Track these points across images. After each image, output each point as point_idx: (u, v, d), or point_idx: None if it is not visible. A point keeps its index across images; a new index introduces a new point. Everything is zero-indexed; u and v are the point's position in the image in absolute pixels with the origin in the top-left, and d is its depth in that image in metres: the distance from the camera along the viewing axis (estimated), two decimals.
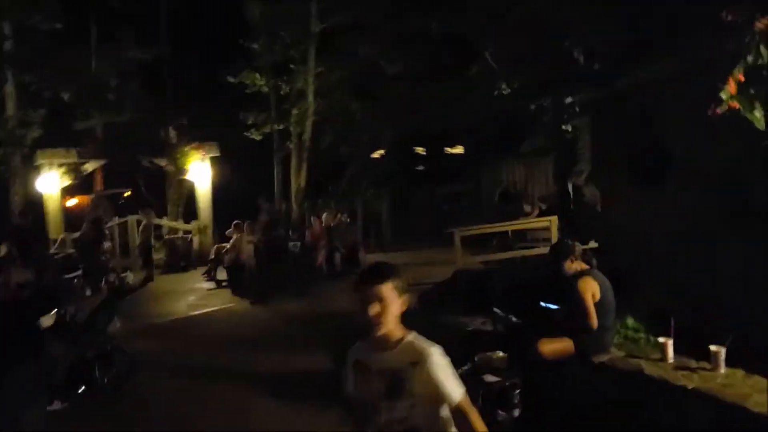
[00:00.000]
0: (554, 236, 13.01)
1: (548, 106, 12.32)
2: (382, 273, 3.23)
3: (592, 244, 9.70)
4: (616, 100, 9.15)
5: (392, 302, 3.15)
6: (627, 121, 8.97)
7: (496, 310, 7.15)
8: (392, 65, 18.97)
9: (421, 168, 29.19)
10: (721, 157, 7.11)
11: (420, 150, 28.74)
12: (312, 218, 17.00)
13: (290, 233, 17.55)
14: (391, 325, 3.16)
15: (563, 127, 11.26)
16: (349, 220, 17.73)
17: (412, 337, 3.20)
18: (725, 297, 7.03)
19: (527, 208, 18.43)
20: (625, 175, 9.28)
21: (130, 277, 11.55)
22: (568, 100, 9.33)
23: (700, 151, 7.53)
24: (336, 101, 19.57)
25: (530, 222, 14.14)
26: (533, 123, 17.96)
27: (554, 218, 13.20)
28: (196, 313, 12.98)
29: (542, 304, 5.95)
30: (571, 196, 9.61)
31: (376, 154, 25.13)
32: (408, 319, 3.39)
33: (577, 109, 10.42)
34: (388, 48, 18.59)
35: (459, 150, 28.52)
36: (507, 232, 16.14)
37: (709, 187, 7.40)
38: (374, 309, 3.09)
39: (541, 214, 17.31)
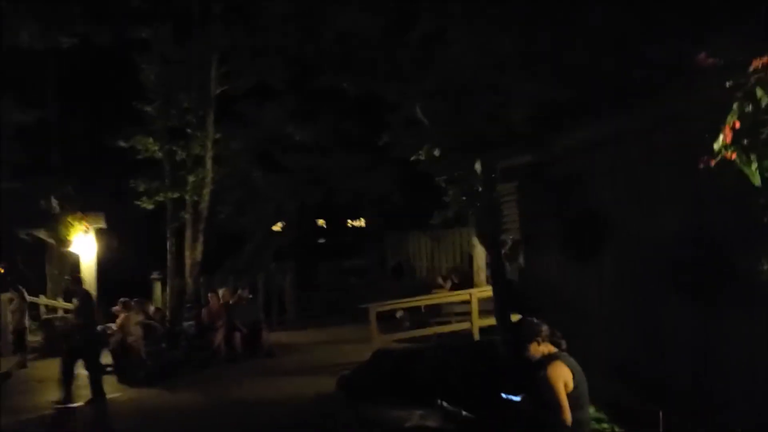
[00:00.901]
0: (475, 311, 12.27)
1: (468, 172, 11.82)
2: None
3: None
4: (547, 164, 8.58)
5: None
6: (558, 187, 8.37)
7: (442, 402, 6.15)
8: (300, 131, 18.15)
9: (322, 241, 28.35)
10: (657, 229, 6.54)
11: (321, 222, 27.93)
12: (209, 294, 15.59)
13: (183, 312, 16.02)
14: None
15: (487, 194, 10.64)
16: (250, 296, 16.42)
17: None
18: (672, 377, 6.36)
19: (440, 280, 17.80)
20: (555, 247, 8.64)
21: None
22: (502, 163, 8.68)
23: (637, 221, 6.97)
24: (236, 169, 18.47)
25: (449, 295, 13.32)
26: (445, 192, 17.51)
27: (474, 291, 12.49)
28: (75, 405, 11.29)
29: (503, 395, 4.98)
30: (506, 267, 8.85)
31: (277, 227, 24.08)
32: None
33: (500, 174, 9.79)
34: (294, 113, 17.80)
35: (361, 223, 27.94)
36: (419, 307, 15.37)
37: (648, 260, 6.78)
38: None
39: (455, 287, 16.69)
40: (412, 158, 13.87)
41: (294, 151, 20.18)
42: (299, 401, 10.30)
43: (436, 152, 12.29)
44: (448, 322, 13.86)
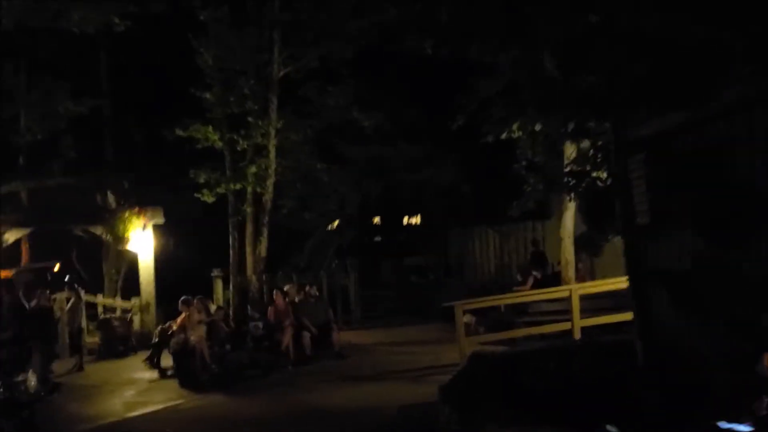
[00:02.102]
0: (576, 309, 10.89)
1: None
2: None
3: None
4: (679, 132, 7.18)
5: None
6: (694, 159, 6.94)
7: (611, 429, 4.82)
8: (365, 116, 16.95)
9: (378, 239, 27.19)
10: None
11: (376, 220, 26.70)
12: (274, 292, 14.47)
13: (249, 311, 14.94)
14: None
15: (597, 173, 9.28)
16: (317, 293, 15.25)
17: None
18: None
19: (519, 277, 16.42)
20: (690, 232, 7.22)
21: (31, 382, 8.31)
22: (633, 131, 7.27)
23: None
24: (298, 161, 17.36)
25: (545, 292, 11.89)
26: (524, 180, 16.12)
27: (575, 287, 11.09)
28: (135, 414, 10.27)
29: (724, 425, 3.64)
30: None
31: (333, 225, 22.91)
32: None
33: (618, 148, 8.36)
34: (358, 98, 16.61)
35: (416, 220, 26.64)
36: (499, 306, 14.02)
37: None
38: None
39: (537, 284, 15.30)
40: (503, 136, 12.61)
41: (356, 141, 19.00)
42: (387, 412, 9.09)
43: (538, 126, 10.99)
44: (539, 323, 12.49)
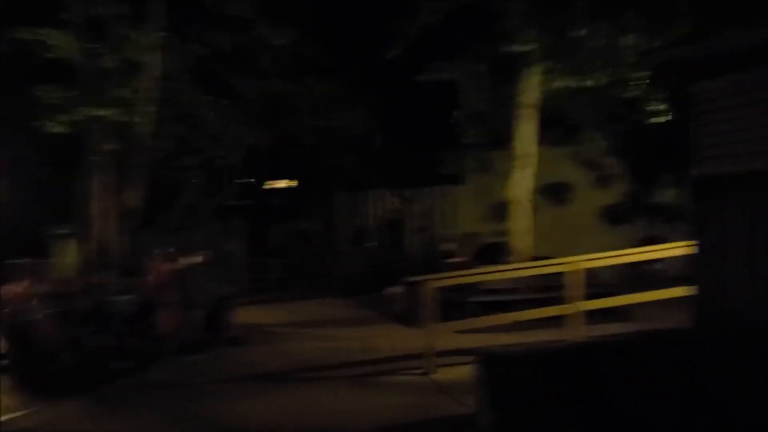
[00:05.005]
0: (576, 289, 8.19)
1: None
2: None
3: None
4: None
5: None
6: None
7: None
8: (277, 33, 13.41)
9: (263, 199, 23.60)
10: None
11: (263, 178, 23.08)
12: (151, 258, 10.79)
13: (111, 282, 11.11)
14: None
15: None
16: (208, 259, 11.60)
17: None
18: None
19: (450, 247, 13.74)
20: None
21: None
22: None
23: None
24: (179, 90, 13.59)
25: (536, 266, 9.00)
26: (460, 134, 13.41)
27: (577, 259, 8.31)
28: None
29: None
30: None
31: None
32: None
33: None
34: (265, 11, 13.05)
35: (284, 183, 23.24)
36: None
37: None
38: None
39: (480, 258, 12.65)
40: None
41: (250, 74, 15.38)
42: None
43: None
44: (503, 304, 9.81)
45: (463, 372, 7.74)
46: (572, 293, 8.14)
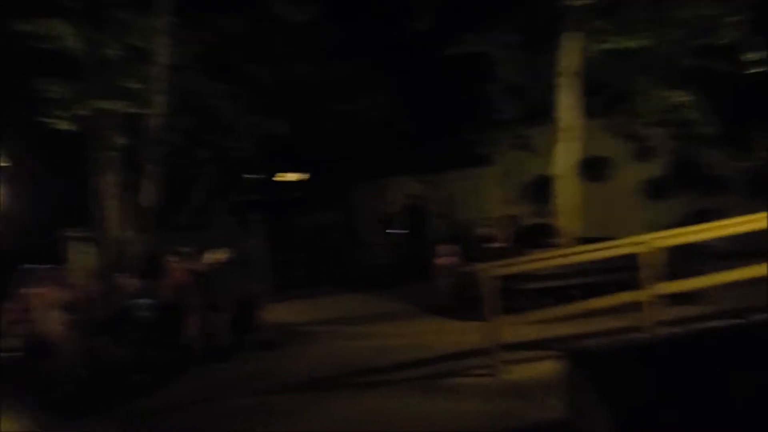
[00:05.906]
0: (651, 270, 7.21)
1: None
2: None
3: None
4: None
5: None
6: None
7: None
8: (298, 9, 12.48)
9: (279, 192, 22.68)
10: None
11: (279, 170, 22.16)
12: (168, 259, 9.90)
13: (129, 287, 10.20)
14: None
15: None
16: (231, 258, 10.67)
17: None
18: None
19: (486, 231, 12.76)
20: None
21: None
22: None
23: None
24: (194, 79, 12.70)
25: (604, 247, 7.97)
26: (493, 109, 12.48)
27: (648, 238, 7.33)
28: None
29: None
30: None
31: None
32: None
33: None
34: None
35: (295, 177, 22.31)
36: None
37: None
38: None
39: (521, 241, 11.69)
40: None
41: (263, 60, 14.50)
42: None
43: None
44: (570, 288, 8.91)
45: (536, 370, 6.87)
46: (645, 275, 7.18)
